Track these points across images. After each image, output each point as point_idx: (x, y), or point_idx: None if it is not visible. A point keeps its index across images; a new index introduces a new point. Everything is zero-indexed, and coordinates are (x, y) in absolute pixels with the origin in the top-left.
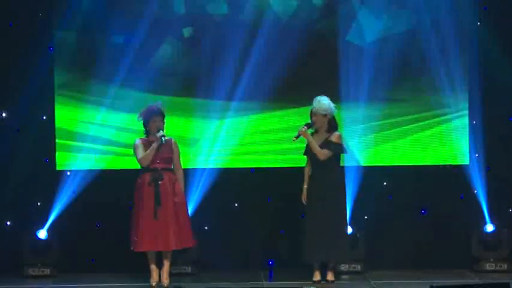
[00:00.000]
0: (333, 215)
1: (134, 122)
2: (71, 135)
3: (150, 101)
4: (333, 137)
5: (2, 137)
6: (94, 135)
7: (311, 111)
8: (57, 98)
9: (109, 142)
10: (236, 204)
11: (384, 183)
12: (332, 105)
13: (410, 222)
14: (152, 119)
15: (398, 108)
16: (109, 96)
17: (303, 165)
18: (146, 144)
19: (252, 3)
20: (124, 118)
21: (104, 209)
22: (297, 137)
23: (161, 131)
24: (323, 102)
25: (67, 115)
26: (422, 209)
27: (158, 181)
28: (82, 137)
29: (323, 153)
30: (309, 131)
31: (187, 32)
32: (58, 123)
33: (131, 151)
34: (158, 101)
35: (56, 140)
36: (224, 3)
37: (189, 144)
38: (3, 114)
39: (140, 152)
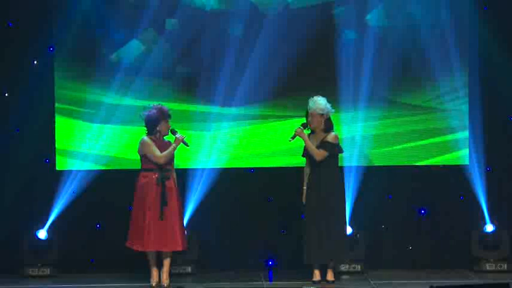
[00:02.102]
0: (332, 216)
1: (134, 121)
2: (71, 136)
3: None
4: (330, 137)
5: (2, 137)
6: (94, 135)
7: (307, 112)
8: (57, 98)
9: (109, 142)
10: (236, 204)
11: (384, 183)
12: (328, 105)
13: (409, 222)
14: (165, 119)
15: (398, 108)
16: (109, 96)
17: (303, 165)
18: (156, 142)
19: None
20: (124, 117)
21: (104, 209)
22: (293, 138)
23: (179, 133)
24: (320, 101)
25: (66, 115)
26: (422, 209)
27: (165, 181)
28: (82, 138)
29: (319, 154)
30: (306, 131)
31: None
32: (58, 124)
33: (131, 151)
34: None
35: (56, 140)
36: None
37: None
38: (3, 114)
39: (156, 150)
